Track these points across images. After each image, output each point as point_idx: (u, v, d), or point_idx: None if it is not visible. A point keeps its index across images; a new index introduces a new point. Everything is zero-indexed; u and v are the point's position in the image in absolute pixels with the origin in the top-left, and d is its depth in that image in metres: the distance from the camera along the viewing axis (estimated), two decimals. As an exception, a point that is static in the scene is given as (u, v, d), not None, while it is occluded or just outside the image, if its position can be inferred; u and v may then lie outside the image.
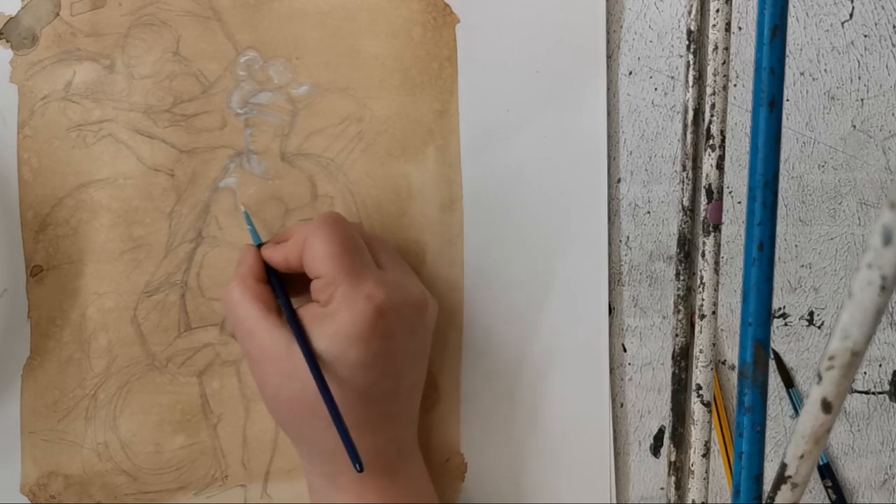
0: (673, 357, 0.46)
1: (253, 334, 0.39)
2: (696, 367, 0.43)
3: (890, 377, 0.48)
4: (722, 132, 0.42)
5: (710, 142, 0.42)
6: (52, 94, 0.44)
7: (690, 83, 0.45)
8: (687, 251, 0.46)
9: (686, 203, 0.45)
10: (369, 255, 0.41)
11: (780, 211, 0.47)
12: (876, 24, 0.47)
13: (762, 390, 0.31)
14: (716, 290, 0.43)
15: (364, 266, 0.40)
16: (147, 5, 0.45)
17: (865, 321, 0.21)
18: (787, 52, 0.46)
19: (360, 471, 0.36)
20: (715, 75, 0.42)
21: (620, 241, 0.48)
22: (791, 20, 0.47)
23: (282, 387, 0.39)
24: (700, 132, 0.45)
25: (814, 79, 0.47)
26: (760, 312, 0.31)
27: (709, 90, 0.42)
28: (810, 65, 0.47)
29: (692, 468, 0.44)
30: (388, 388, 0.40)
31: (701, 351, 0.43)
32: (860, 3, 0.47)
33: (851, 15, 0.47)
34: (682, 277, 0.46)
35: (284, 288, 0.41)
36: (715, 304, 0.43)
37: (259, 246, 0.43)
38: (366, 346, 0.38)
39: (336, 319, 0.38)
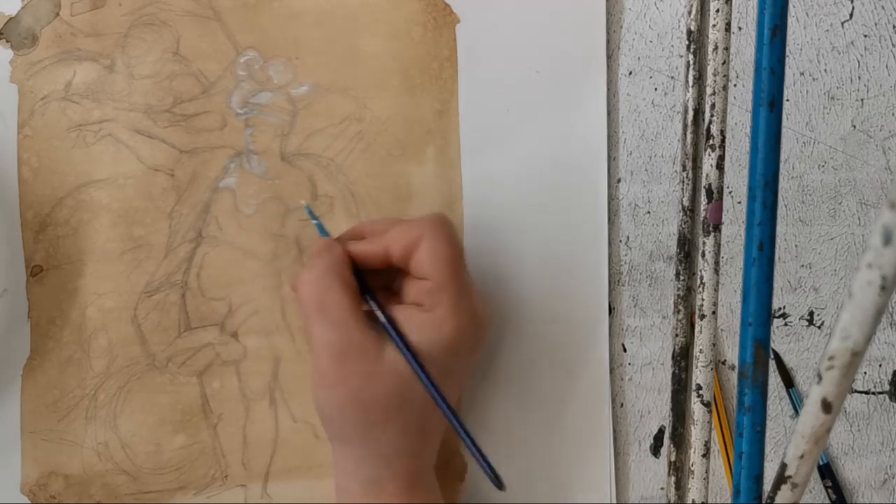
0: (673, 357, 0.46)
1: (342, 326, 0.37)
2: (696, 367, 0.43)
3: (890, 377, 0.48)
4: (722, 132, 0.42)
5: (710, 142, 0.42)
6: (52, 94, 0.44)
7: (690, 83, 0.45)
8: (687, 251, 0.46)
9: (686, 203, 0.45)
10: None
11: (780, 211, 0.47)
12: (876, 24, 0.47)
13: (762, 390, 0.31)
14: (716, 290, 0.43)
15: (468, 277, 0.39)
16: (147, 5, 0.45)
17: (865, 321, 0.21)
18: (787, 52, 0.46)
19: (502, 489, 0.36)
20: (715, 75, 0.42)
21: (620, 241, 0.48)
22: (791, 20, 0.46)
23: (364, 389, 0.37)
24: (700, 132, 0.45)
25: (814, 79, 0.47)
26: (760, 312, 0.31)
27: (709, 90, 0.42)
28: (810, 65, 0.47)
29: (692, 468, 0.44)
30: (454, 402, 0.39)
31: (701, 351, 0.43)
32: (860, 3, 0.47)
33: (851, 15, 0.47)
34: (682, 277, 0.46)
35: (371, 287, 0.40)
36: (715, 304, 0.43)
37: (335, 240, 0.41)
38: (462, 361, 0.38)
39: (442, 328, 0.37)
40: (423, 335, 0.37)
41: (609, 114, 0.47)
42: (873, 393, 0.49)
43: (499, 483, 0.36)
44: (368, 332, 0.37)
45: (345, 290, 0.38)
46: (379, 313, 0.38)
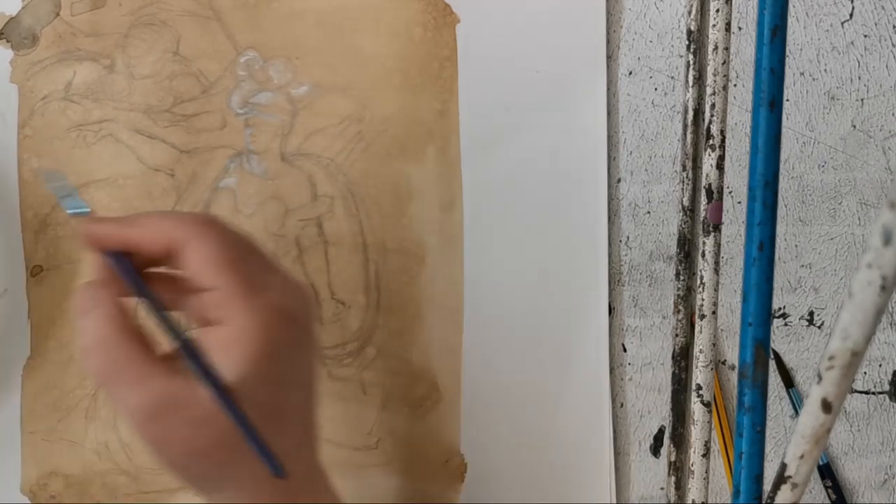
0: (673, 357, 0.46)
1: (145, 384, 0.32)
2: (696, 367, 0.43)
3: (890, 377, 0.48)
4: (722, 132, 0.42)
5: (710, 142, 0.42)
6: (52, 94, 0.44)
7: (690, 83, 0.45)
8: (687, 251, 0.46)
9: (686, 203, 0.45)
10: (263, 256, 0.35)
11: (780, 211, 0.47)
12: (876, 24, 0.47)
13: (762, 390, 0.31)
14: (716, 290, 0.43)
15: (263, 271, 0.34)
16: (147, 5, 0.45)
17: (865, 321, 0.21)
18: (787, 52, 0.46)
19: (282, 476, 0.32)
20: (715, 75, 0.42)
21: (620, 241, 0.48)
22: (791, 20, 0.46)
23: (197, 438, 0.32)
24: (700, 132, 0.45)
25: (814, 79, 0.47)
26: (760, 312, 0.31)
27: (709, 90, 0.42)
28: (810, 65, 0.47)
29: (692, 468, 0.44)
30: (307, 398, 0.35)
31: (701, 351, 0.43)
32: (860, 3, 0.47)
33: (851, 15, 0.47)
34: (682, 277, 0.46)
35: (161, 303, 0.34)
36: (715, 304, 0.43)
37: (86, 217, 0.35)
38: (283, 363, 0.33)
39: (245, 342, 0.32)
40: (231, 355, 0.32)
41: (609, 114, 0.47)
42: (873, 393, 0.49)
43: (278, 470, 0.32)
44: (174, 377, 0.32)
45: (132, 342, 0.33)
46: (182, 349, 0.33)
